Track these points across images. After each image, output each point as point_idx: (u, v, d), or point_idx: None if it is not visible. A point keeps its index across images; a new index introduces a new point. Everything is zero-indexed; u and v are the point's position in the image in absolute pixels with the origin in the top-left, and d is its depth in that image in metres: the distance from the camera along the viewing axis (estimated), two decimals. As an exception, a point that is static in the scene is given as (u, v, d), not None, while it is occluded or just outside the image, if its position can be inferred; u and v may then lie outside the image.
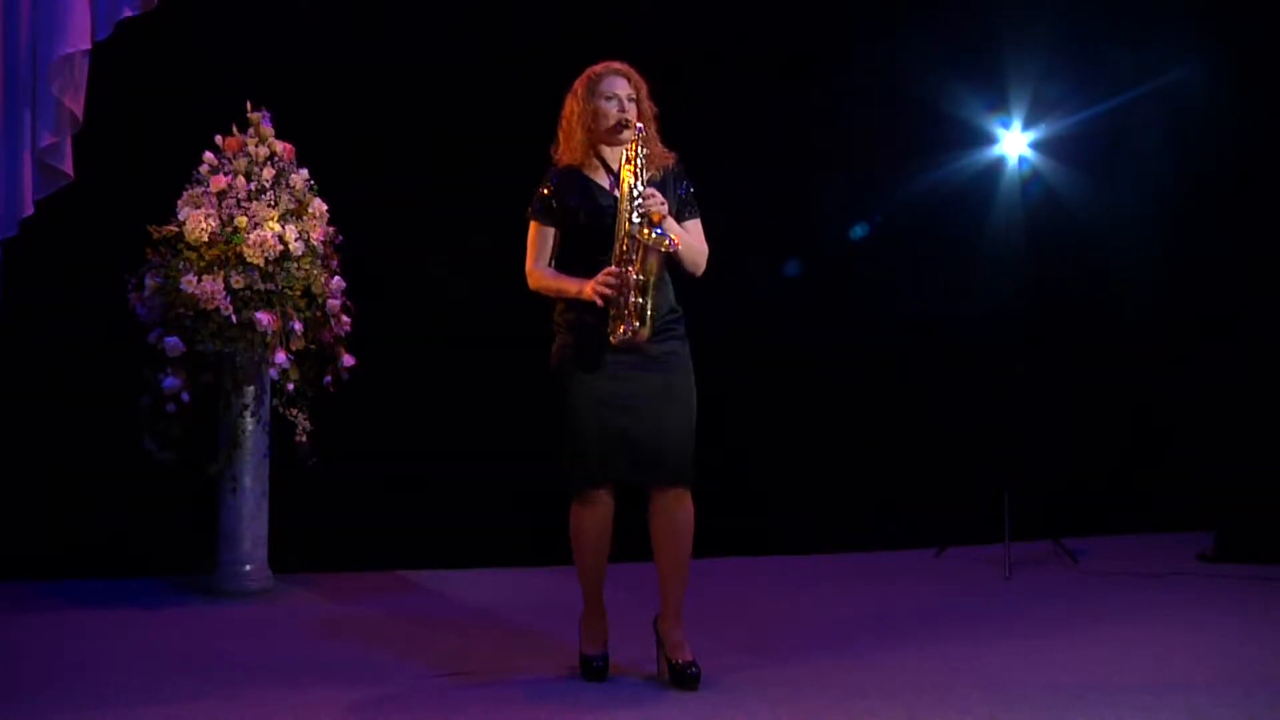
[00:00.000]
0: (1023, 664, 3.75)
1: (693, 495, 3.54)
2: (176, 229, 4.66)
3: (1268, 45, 6.02)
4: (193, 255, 4.61)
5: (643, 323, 3.40)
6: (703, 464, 3.55)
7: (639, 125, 3.45)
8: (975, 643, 4.01)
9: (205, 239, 4.61)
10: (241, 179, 4.73)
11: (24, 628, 4.25)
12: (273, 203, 4.74)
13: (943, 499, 5.77)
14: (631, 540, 3.68)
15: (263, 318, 4.58)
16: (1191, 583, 4.95)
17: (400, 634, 4.18)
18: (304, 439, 4.74)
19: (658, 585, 3.60)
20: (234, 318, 4.57)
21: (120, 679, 3.59)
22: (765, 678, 3.60)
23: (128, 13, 4.51)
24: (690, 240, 3.58)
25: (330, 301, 4.79)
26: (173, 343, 4.55)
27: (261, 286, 4.64)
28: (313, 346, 4.81)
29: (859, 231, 5.95)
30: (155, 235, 4.67)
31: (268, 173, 4.76)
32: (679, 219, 3.58)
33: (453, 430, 5.29)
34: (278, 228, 4.67)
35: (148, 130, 4.98)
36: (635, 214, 3.38)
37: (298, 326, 4.71)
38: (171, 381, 4.56)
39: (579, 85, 3.60)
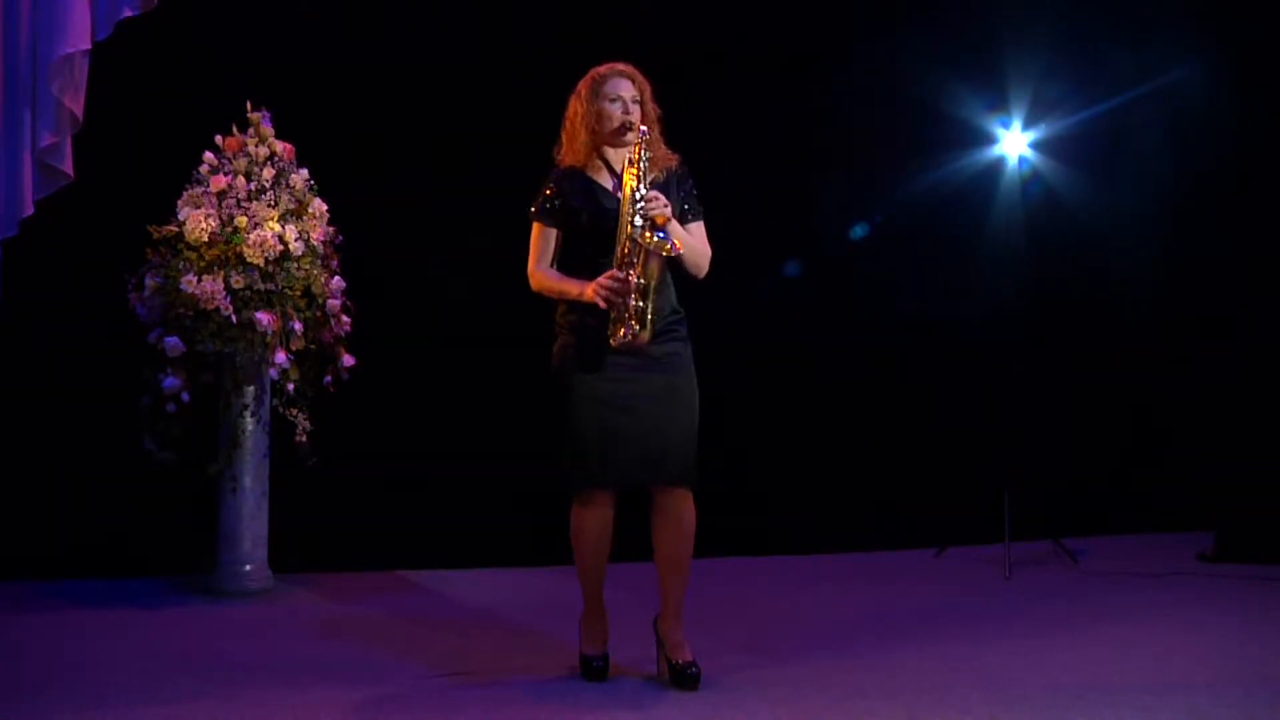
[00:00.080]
0: (1023, 664, 3.75)
1: (693, 495, 3.54)
2: (176, 229, 4.66)
3: (1268, 45, 6.02)
4: (193, 255, 4.61)
5: (643, 326, 3.39)
6: (703, 464, 3.55)
7: (643, 128, 3.45)
8: (975, 643, 4.01)
9: (205, 239, 4.61)
10: (241, 179, 4.73)
11: (24, 628, 4.25)
12: (273, 203, 4.74)
13: (943, 499, 5.77)
14: (631, 540, 3.68)
15: (263, 318, 4.58)
16: (1191, 583, 4.95)
17: (400, 634, 4.18)
18: (304, 439, 4.74)
19: (658, 585, 3.60)
20: (234, 318, 4.57)
21: (120, 679, 3.59)
22: (765, 678, 3.60)
23: (128, 13, 4.51)
24: (693, 243, 3.58)
25: (330, 301, 4.79)
26: (173, 343, 4.55)
27: (261, 286, 4.64)
28: (313, 346, 4.81)
29: (859, 231, 5.95)
30: (155, 235, 4.67)
31: (268, 173, 4.76)
32: (682, 221, 3.58)
33: (453, 430, 5.29)
34: (278, 228, 4.68)
35: (148, 130, 4.98)
36: (638, 217, 3.38)
37: (298, 326, 4.71)
38: (171, 381, 4.56)
39: (583, 86, 3.59)
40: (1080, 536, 5.73)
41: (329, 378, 4.84)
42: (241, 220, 4.65)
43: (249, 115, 4.83)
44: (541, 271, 3.59)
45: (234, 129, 4.82)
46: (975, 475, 5.71)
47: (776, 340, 5.78)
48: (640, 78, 3.59)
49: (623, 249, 3.40)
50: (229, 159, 4.78)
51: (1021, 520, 5.38)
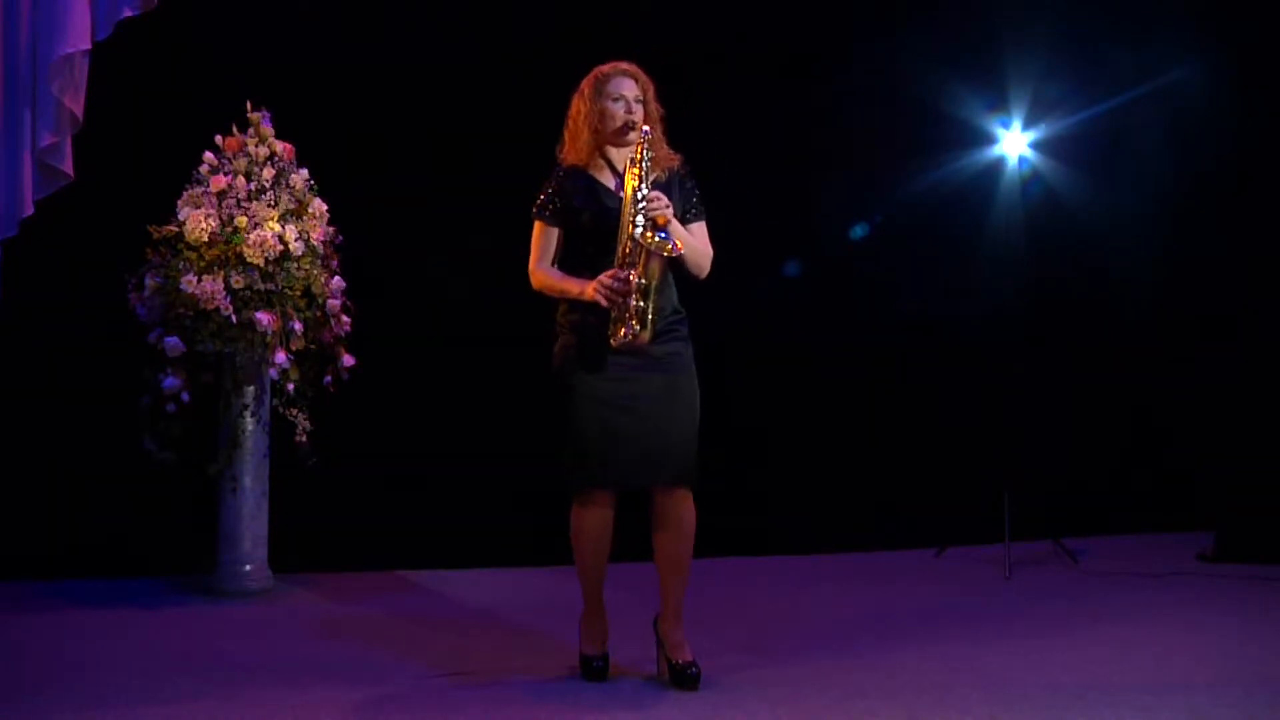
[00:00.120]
0: (1023, 664, 3.75)
1: (693, 495, 3.54)
2: (176, 229, 4.66)
3: (1268, 45, 6.02)
4: (193, 255, 4.61)
5: (643, 326, 3.39)
6: (703, 464, 3.55)
7: (645, 128, 3.45)
8: (975, 643, 4.01)
9: (205, 239, 4.61)
10: (241, 179, 4.73)
11: (24, 628, 4.25)
12: (273, 203, 4.74)
13: (943, 499, 5.78)
14: (631, 540, 3.68)
15: (263, 318, 4.58)
16: (1191, 583, 4.95)
17: (400, 634, 4.18)
18: (304, 439, 4.74)
19: (658, 585, 3.60)
20: (234, 318, 4.57)
21: (120, 679, 3.59)
22: (765, 678, 3.60)
23: (128, 13, 4.51)
24: (694, 243, 3.57)
25: (330, 301, 4.79)
26: (173, 343, 4.55)
27: (261, 286, 4.64)
28: (313, 346, 4.81)
29: (859, 231, 5.95)
30: (155, 235, 4.67)
31: (268, 173, 4.76)
32: (684, 221, 3.58)
33: (453, 430, 5.29)
34: (278, 228, 4.67)
35: (148, 130, 4.98)
36: (639, 217, 3.37)
37: (298, 326, 4.71)
38: (171, 381, 4.56)
39: (586, 85, 3.59)
40: (1080, 536, 5.73)
41: (329, 378, 4.84)
42: (241, 220, 4.65)
43: (249, 115, 4.83)
44: (542, 270, 3.59)
45: (234, 129, 4.82)
46: (975, 475, 5.72)
47: (776, 340, 5.78)
48: (644, 77, 3.59)
49: (624, 249, 3.40)
50: (229, 159, 4.78)
51: (1021, 520, 5.38)
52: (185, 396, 4.58)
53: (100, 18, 4.46)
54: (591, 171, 3.59)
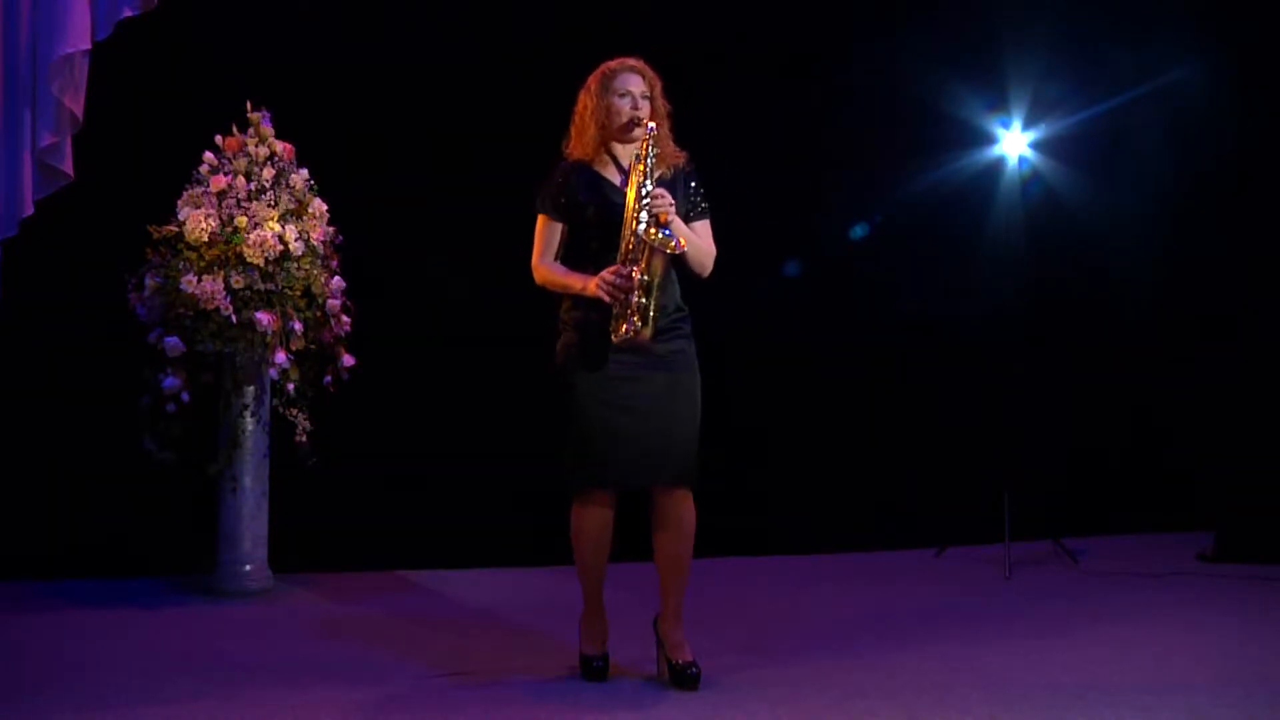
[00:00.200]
0: (1023, 664, 3.75)
1: (694, 495, 3.54)
2: (176, 229, 4.66)
3: (1268, 45, 6.02)
4: (193, 255, 4.61)
5: (645, 322, 3.39)
6: (703, 464, 3.55)
7: (651, 124, 3.45)
8: (975, 643, 4.01)
9: (205, 239, 4.61)
10: (241, 179, 4.73)
11: (24, 628, 4.25)
12: (273, 203, 4.74)
13: (943, 499, 5.78)
14: (631, 540, 3.68)
15: (263, 318, 4.58)
16: (1191, 583, 4.95)
17: (400, 634, 4.18)
18: (304, 439, 4.74)
19: (658, 585, 3.60)
20: (234, 318, 4.57)
21: (120, 679, 3.59)
22: (765, 678, 3.60)
23: (128, 13, 4.51)
24: (697, 241, 3.57)
25: (330, 301, 4.79)
26: (173, 343, 4.55)
27: (261, 286, 4.64)
28: (313, 346, 4.81)
29: (859, 231, 5.95)
30: (155, 235, 4.67)
31: (268, 173, 4.76)
32: (687, 219, 3.57)
33: (453, 430, 5.29)
34: (278, 228, 4.67)
35: (148, 130, 4.98)
36: (643, 213, 3.37)
37: (298, 326, 4.71)
38: (171, 381, 4.56)
39: (593, 81, 3.59)
40: (1080, 536, 5.73)
41: (329, 378, 4.84)
42: (241, 220, 4.65)
43: (249, 115, 4.83)
44: (546, 265, 3.59)
45: (234, 129, 4.82)
46: (975, 475, 5.72)
47: (776, 340, 5.78)
48: (650, 73, 3.58)
49: (627, 245, 3.39)
50: (229, 159, 4.78)
51: (1021, 520, 5.38)
52: (185, 396, 4.58)
53: (100, 18, 4.46)
54: (597, 167, 3.58)
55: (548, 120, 3.79)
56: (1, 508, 4.86)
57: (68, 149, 4.49)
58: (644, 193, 3.38)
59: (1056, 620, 4.34)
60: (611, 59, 3.61)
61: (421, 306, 5.31)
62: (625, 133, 3.54)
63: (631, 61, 3.59)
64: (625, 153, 3.57)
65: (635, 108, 3.52)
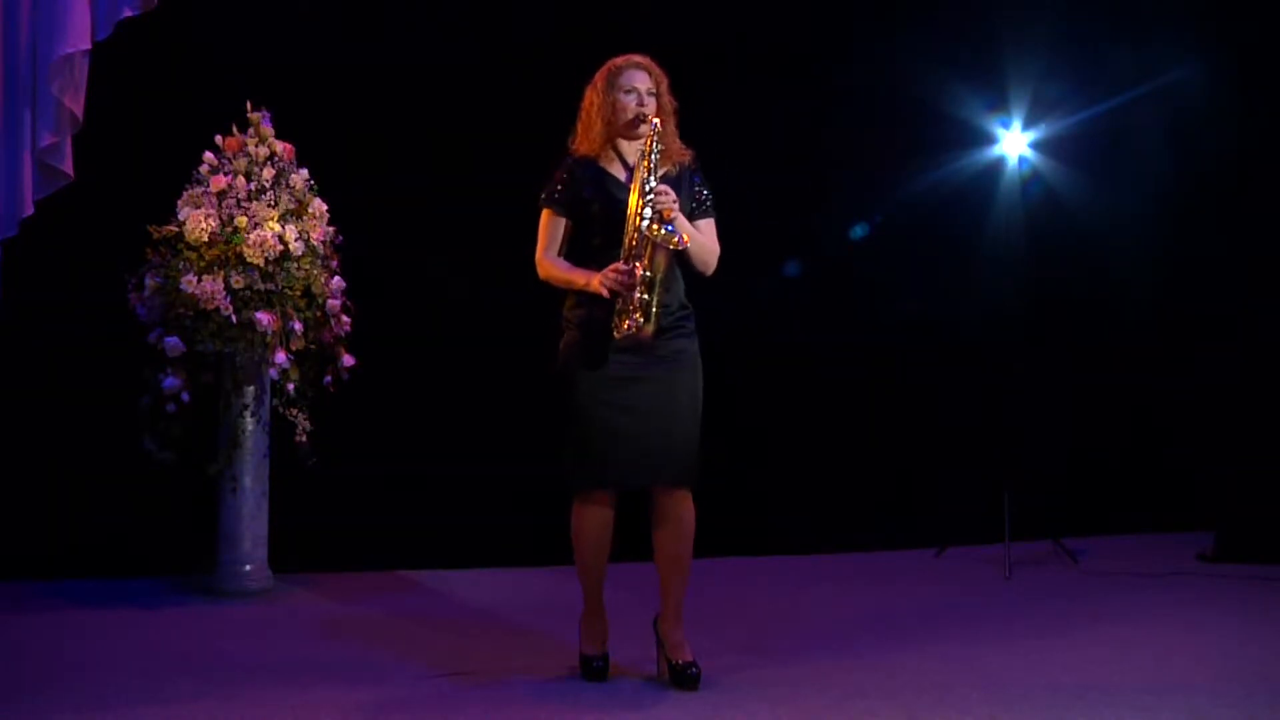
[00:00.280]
0: (1023, 664, 3.75)
1: (694, 495, 3.54)
2: (176, 229, 4.66)
3: (1268, 45, 6.03)
4: (193, 255, 4.61)
5: (647, 319, 3.39)
6: (703, 464, 3.55)
7: (655, 120, 3.45)
8: (975, 643, 4.01)
9: (205, 239, 4.61)
10: (241, 179, 4.73)
11: (24, 628, 4.25)
12: (273, 203, 4.74)
13: (943, 499, 5.77)
14: (631, 540, 3.68)
15: (263, 318, 4.58)
16: (1191, 583, 4.95)
17: (400, 634, 4.18)
18: (304, 439, 4.74)
19: (658, 585, 3.60)
20: (234, 318, 4.57)
21: (120, 679, 3.59)
22: (765, 678, 3.60)
23: (128, 13, 4.51)
24: (701, 239, 3.57)
25: (330, 301, 4.79)
26: (173, 343, 4.55)
27: (261, 286, 4.64)
28: (313, 346, 4.81)
29: (859, 231, 5.95)
30: (155, 235, 4.67)
31: (268, 173, 4.76)
32: (692, 217, 3.57)
33: (453, 430, 5.29)
34: (278, 228, 4.67)
35: (148, 130, 4.98)
36: (646, 209, 3.38)
37: (298, 326, 4.71)
38: (171, 381, 4.56)
39: (599, 77, 3.59)
40: (1080, 536, 5.73)
41: (329, 378, 4.84)
42: (241, 220, 4.65)
43: (249, 115, 4.83)
44: (549, 260, 3.58)
45: (234, 129, 4.82)
46: (975, 475, 5.71)
47: (776, 340, 5.78)
48: (657, 70, 3.58)
49: (630, 241, 3.40)
50: (229, 159, 4.78)
51: (1021, 520, 5.38)
52: (185, 396, 4.58)
53: (100, 18, 4.46)
54: (602, 163, 3.58)
55: (548, 120, 3.79)
56: (1, 508, 4.86)
57: (68, 149, 4.48)
58: (647, 189, 3.38)
59: (1056, 620, 4.34)
60: (613, 58, 3.61)
61: (421, 306, 5.31)
62: (631, 129, 3.54)
63: (638, 58, 3.59)
64: (631, 149, 3.57)
65: (641, 104, 3.52)
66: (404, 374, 5.25)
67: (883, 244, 5.91)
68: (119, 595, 4.72)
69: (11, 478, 4.90)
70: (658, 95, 3.55)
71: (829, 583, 5.08)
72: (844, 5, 5.82)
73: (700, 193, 3.63)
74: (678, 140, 3.60)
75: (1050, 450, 6.01)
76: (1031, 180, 5.83)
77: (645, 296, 3.37)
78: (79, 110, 4.45)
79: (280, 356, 4.63)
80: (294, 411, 4.75)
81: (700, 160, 3.68)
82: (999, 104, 5.83)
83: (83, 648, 4.00)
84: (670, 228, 3.37)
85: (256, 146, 4.79)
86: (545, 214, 3.60)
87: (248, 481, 4.75)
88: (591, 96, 3.59)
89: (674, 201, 3.40)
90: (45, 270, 4.77)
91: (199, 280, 4.55)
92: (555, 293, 3.63)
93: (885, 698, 3.39)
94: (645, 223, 3.36)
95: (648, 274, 3.37)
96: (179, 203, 4.71)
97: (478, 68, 5.44)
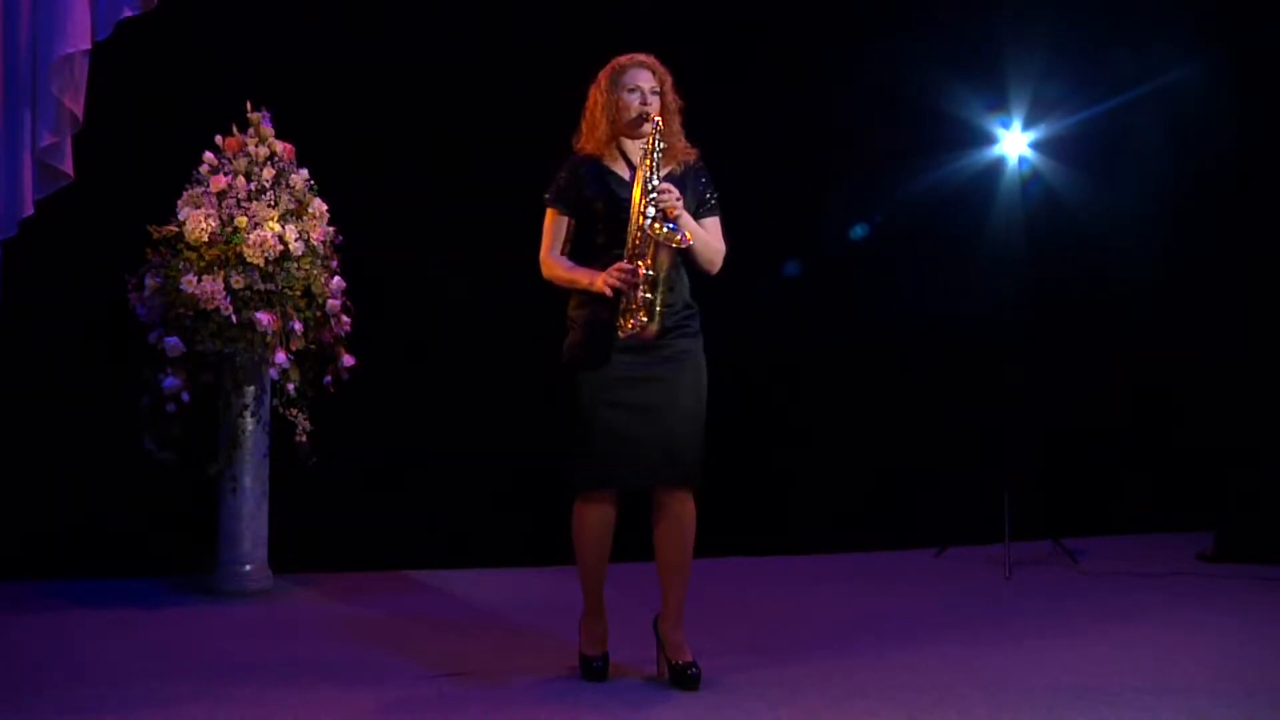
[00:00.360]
0: (1023, 664, 3.75)
1: (695, 495, 3.54)
2: (176, 229, 4.66)
3: (1268, 45, 6.02)
4: (193, 255, 4.61)
5: (651, 318, 3.39)
6: (704, 463, 3.55)
7: (657, 118, 3.45)
8: (975, 643, 4.01)
9: (205, 239, 4.61)
10: (241, 179, 4.73)
11: (24, 628, 4.25)
12: (273, 203, 4.74)
13: (943, 499, 5.77)
14: (632, 540, 3.68)
15: (263, 318, 4.58)
16: (1191, 583, 4.95)
17: (400, 634, 4.18)
18: (304, 439, 4.74)
19: (658, 585, 3.59)
20: (234, 318, 4.57)
21: (120, 679, 3.59)
22: (765, 678, 3.60)
23: (128, 13, 4.51)
24: (706, 237, 3.57)
25: (330, 301, 4.79)
26: (173, 343, 4.55)
27: (261, 286, 4.64)
28: (313, 346, 4.81)
29: (859, 232, 5.94)
30: (155, 235, 4.67)
31: (268, 173, 4.76)
32: (697, 215, 3.57)
33: (453, 430, 5.29)
34: (278, 228, 4.67)
35: (148, 130, 4.98)
36: (649, 208, 3.38)
37: (298, 326, 4.71)
38: (171, 381, 4.56)
39: (603, 76, 3.59)
40: (1080, 536, 5.73)
41: (329, 378, 4.84)
42: (241, 220, 4.65)
43: (249, 115, 4.83)
44: (553, 259, 3.58)
45: (234, 129, 4.82)
46: (975, 475, 5.71)
47: (776, 340, 5.78)
48: (660, 69, 3.59)
49: (633, 239, 3.40)
50: (229, 159, 4.78)
51: (1021, 520, 5.38)
52: (185, 396, 4.58)
53: (100, 18, 4.46)
54: (606, 161, 3.59)
55: (548, 120, 3.79)
56: (1, 508, 4.86)
57: (68, 149, 4.48)
58: (650, 187, 3.38)
59: (1056, 620, 4.34)
60: (611, 58, 3.61)
61: (421, 306, 5.31)
62: (635, 128, 3.54)
63: (641, 57, 3.59)
64: (635, 148, 3.57)
65: (644, 103, 3.53)
66: (404, 374, 5.25)
67: (883, 244, 5.90)
68: (119, 595, 4.72)
69: (11, 478, 4.90)
70: (661, 94, 3.56)
71: (829, 583, 5.08)
72: (844, 5, 5.81)
73: (705, 191, 3.63)
74: (682, 139, 3.60)
75: (1050, 450, 6.01)
76: (1031, 180, 5.83)
77: (649, 295, 3.37)
78: (79, 110, 4.44)
79: (280, 356, 4.63)
80: (294, 411, 4.75)
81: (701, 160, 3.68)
82: (999, 104, 5.83)
83: (83, 648, 4.00)
84: (673, 226, 3.37)
85: (256, 146, 4.79)
86: (549, 213, 3.61)
87: (248, 481, 4.75)
88: (595, 95, 3.59)
89: (677, 199, 3.41)
90: (45, 270, 4.77)
91: (199, 280, 4.55)
92: (555, 292, 3.63)
93: (885, 698, 3.39)
94: (648, 221, 3.36)
95: (651, 273, 3.37)
96: (179, 203, 4.71)
97: (478, 68, 5.44)
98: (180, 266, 4.59)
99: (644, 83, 3.54)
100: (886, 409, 5.86)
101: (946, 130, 5.85)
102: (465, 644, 4.06)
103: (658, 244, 3.37)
